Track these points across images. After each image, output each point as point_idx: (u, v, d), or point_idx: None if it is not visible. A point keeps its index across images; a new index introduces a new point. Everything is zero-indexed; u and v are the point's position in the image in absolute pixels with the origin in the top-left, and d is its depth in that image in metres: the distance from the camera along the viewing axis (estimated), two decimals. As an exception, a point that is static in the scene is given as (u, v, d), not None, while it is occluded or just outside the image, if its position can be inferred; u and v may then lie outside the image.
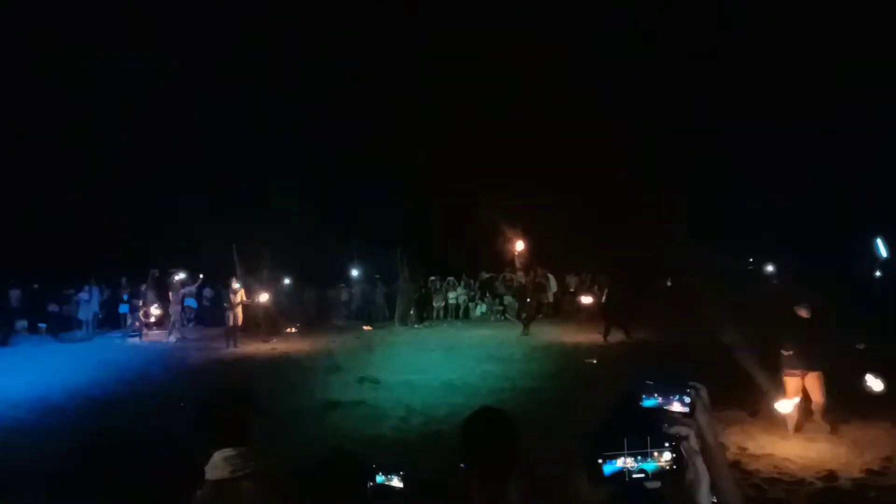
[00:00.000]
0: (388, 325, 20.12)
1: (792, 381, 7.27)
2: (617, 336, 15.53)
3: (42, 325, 18.65)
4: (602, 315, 16.74)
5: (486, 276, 22.39)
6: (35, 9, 21.83)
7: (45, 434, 7.91)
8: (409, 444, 7.38)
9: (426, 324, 20.37)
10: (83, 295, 18.61)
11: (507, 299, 21.73)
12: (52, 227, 21.28)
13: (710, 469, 1.40)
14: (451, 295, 22.11)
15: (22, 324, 18.38)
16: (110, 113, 22.58)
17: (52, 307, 19.25)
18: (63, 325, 18.85)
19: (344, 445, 2.78)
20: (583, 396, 9.16)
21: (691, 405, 1.43)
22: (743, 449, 6.95)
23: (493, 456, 2.11)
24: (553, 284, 21.20)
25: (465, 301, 22.20)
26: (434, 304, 21.96)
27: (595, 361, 12.63)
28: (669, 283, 21.21)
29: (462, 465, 2.18)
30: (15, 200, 21.45)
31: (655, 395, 1.44)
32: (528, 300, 17.78)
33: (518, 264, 17.58)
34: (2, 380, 11.53)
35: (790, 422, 7.31)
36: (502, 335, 16.74)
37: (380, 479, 2.66)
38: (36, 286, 19.36)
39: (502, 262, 21.77)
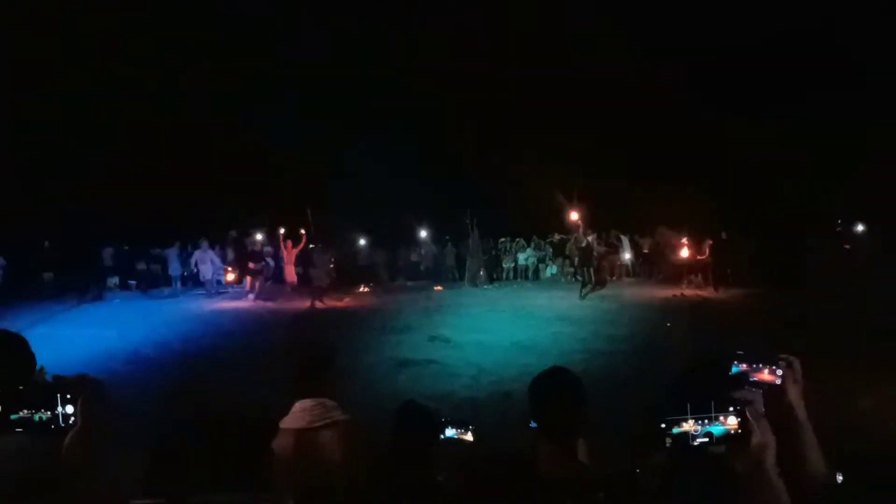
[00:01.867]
0: (458, 285, 20.30)
1: None
2: (718, 289, 16.44)
3: (132, 282, 19.72)
4: (706, 269, 17.40)
5: (557, 237, 22.17)
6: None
7: (135, 384, 8.44)
8: (479, 403, 7.50)
9: (496, 285, 20.42)
10: (171, 252, 19.53)
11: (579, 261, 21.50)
12: (141, 191, 22.27)
13: (798, 443, 1.37)
14: (521, 256, 22.05)
15: (113, 280, 19.51)
16: (189, 90, 23.24)
17: (141, 265, 20.34)
18: (151, 282, 19.89)
19: (417, 400, 2.87)
20: (655, 359, 9.04)
21: (783, 377, 1.40)
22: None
23: (562, 416, 2.13)
24: (627, 246, 20.84)
25: (534, 262, 22.10)
26: (504, 266, 21.98)
27: (669, 325, 12.41)
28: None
29: (531, 423, 2.21)
30: (106, 169, 22.47)
31: (744, 364, 1.42)
32: (597, 264, 17.43)
33: (575, 231, 17.32)
34: (97, 332, 12.33)
35: None
36: (573, 297, 16.60)
37: (452, 433, 2.75)
38: (126, 247, 20.44)
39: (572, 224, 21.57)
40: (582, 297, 16.24)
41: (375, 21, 25.05)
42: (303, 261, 17.27)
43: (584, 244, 17.03)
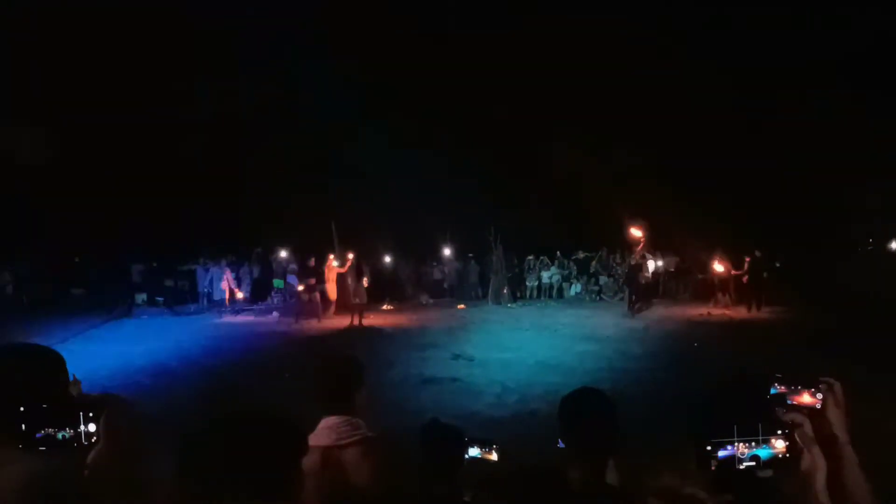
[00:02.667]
0: (481, 303, 20.24)
1: None
2: (750, 308, 16.42)
3: (159, 299, 19.96)
4: (742, 288, 17.24)
5: (581, 255, 22.06)
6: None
7: (162, 397, 8.52)
8: (503, 422, 7.43)
9: (519, 302, 20.34)
10: (200, 269, 19.74)
11: (603, 279, 21.37)
12: (169, 210, 22.60)
13: (840, 468, 1.33)
14: (545, 274, 21.95)
15: (141, 297, 19.78)
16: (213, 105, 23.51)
17: (168, 282, 20.59)
18: (178, 299, 20.11)
19: (441, 419, 2.84)
20: (683, 379, 8.90)
21: (823, 400, 1.37)
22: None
23: (593, 436, 2.10)
24: (652, 264, 20.66)
25: (559, 280, 21.97)
26: (527, 283, 21.89)
27: (697, 344, 12.24)
28: (778, 264, 20.19)
29: (560, 443, 2.18)
30: (140, 191, 22.83)
31: (783, 387, 1.38)
32: (634, 282, 17.23)
33: (635, 250, 17.21)
34: (126, 347, 12.49)
35: None
36: (597, 315, 16.46)
37: (476, 452, 2.72)
38: (155, 264, 20.72)
39: (603, 242, 21.43)
40: (632, 314, 16.25)
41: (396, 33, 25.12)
42: (341, 279, 17.16)
43: (634, 262, 16.92)
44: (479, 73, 24.79)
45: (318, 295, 16.93)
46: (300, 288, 17.25)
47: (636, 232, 17.24)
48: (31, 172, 18.79)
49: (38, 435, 1.41)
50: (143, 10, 21.34)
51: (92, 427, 1.43)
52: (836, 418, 1.36)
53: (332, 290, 17.15)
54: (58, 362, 1.77)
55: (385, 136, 24.24)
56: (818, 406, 1.36)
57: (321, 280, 17.17)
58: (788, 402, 1.37)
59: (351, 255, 16.82)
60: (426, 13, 24.83)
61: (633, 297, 16.69)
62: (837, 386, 1.38)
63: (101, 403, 1.45)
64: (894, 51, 21.72)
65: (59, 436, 1.42)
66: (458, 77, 24.81)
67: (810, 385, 1.37)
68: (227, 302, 18.47)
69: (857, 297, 15.99)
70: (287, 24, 23.42)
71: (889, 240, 21.03)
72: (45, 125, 19.76)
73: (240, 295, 19.77)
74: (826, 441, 1.34)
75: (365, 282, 16.57)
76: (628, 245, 18.03)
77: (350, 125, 24.85)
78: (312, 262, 18.31)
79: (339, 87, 24.09)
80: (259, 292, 20.60)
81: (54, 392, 1.62)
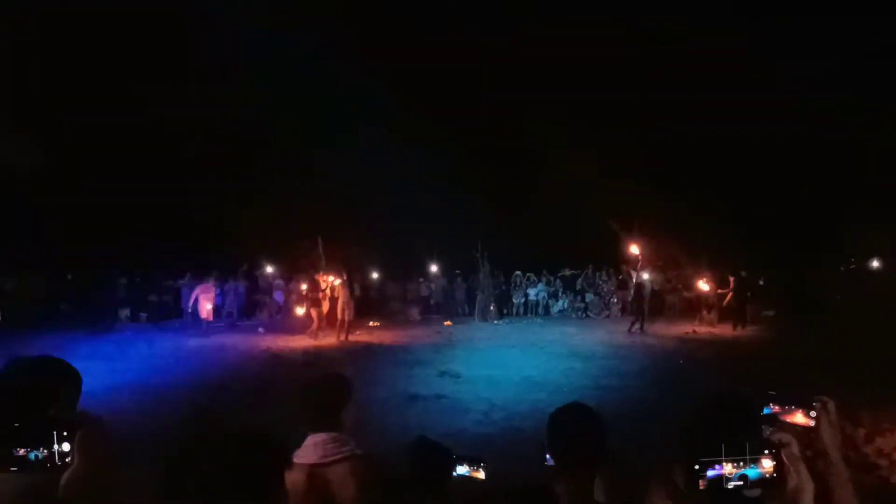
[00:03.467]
0: (468, 320, 20.21)
1: None
2: (736, 327, 16.53)
3: (142, 314, 19.73)
4: (727, 306, 17.36)
5: (568, 272, 22.11)
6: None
7: (144, 416, 8.38)
8: (490, 439, 7.38)
9: (506, 320, 20.34)
10: (183, 284, 19.52)
11: (589, 297, 21.42)
12: (153, 224, 22.42)
13: (832, 485, 1.33)
14: (532, 291, 21.99)
15: (125, 312, 19.53)
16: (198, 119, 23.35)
17: (152, 297, 20.36)
18: (162, 314, 19.88)
19: (428, 437, 2.82)
20: (669, 396, 8.91)
21: (817, 419, 1.36)
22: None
23: (582, 453, 2.09)
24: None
25: (545, 297, 22.01)
26: (514, 300, 21.91)
27: (682, 361, 12.28)
28: (762, 282, 20.32)
29: (548, 458, 2.17)
30: (121, 205, 22.64)
31: (776, 406, 1.38)
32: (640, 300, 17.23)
33: (632, 265, 17.21)
34: (108, 364, 12.28)
35: None
36: (584, 332, 16.48)
37: (464, 470, 2.69)
38: (138, 279, 20.48)
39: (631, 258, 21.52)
40: (639, 331, 16.27)
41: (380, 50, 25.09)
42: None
43: (638, 280, 16.97)
44: (471, 84, 24.86)
45: (317, 311, 16.86)
46: (301, 304, 17.14)
47: (634, 249, 17.32)
48: (19, 181, 18.56)
49: (11, 455, 1.37)
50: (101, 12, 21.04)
51: (66, 447, 1.39)
52: (829, 437, 1.36)
53: (325, 306, 17.04)
54: (74, 380, 1.73)
55: (374, 150, 24.23)
56: (811, 424, 1.36)
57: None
58: (783, 420, 1.36)
59: (331, 278, 16.75)
60: (424, 16, 24.84)
61: (638, 314, 16.70)
62: (831, 404, 1.38)
63: (76, 422, 1.41)
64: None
65: (32, 456, 1.38)
66: (449, 89, 24.88)
67: (804, 404, 1.37)
68: (211, 318, 18.21)
69: (839, 313, 16.13)
70: (277, 33, 23.36)
71: (870, 258, 21.25)
72: (29, 134, 19.53)
73: (223, 312, 19.57)
74: (819, 459, 1.34)
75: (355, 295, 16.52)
76: (626, 262, 18.03)
77: (338, 136, 24.83)
78: (319, 276, 18.09)
79: (329, 96, 24.10)
80: (245, 309, 20.44)
81: (59, 411, 1.58)
